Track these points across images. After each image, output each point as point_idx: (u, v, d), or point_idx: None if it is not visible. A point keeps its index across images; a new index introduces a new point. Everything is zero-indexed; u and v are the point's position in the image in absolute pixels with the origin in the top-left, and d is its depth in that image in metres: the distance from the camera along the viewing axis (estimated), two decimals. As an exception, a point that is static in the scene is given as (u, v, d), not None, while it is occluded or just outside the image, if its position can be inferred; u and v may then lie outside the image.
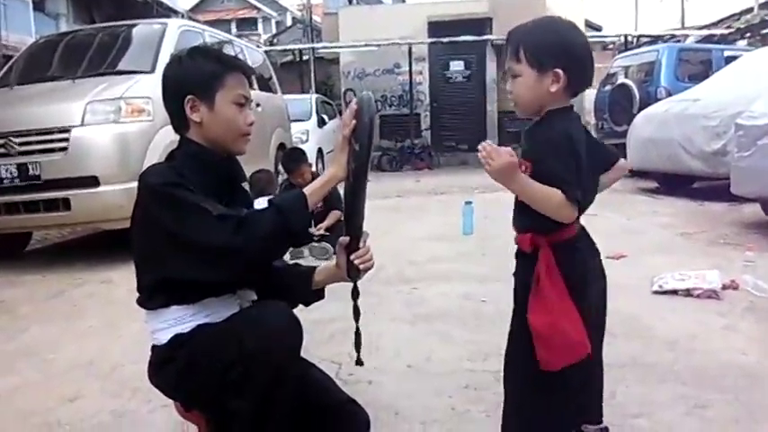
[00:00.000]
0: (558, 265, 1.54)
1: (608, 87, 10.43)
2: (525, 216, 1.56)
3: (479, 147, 1.50)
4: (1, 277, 4.65)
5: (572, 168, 1.45)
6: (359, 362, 1.75)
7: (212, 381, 1.50)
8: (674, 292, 3.28)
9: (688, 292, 3.24)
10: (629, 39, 15.99)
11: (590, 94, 12.20)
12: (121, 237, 4.93)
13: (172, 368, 1.56)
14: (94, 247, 5.75)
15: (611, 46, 17.82)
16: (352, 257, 1.64)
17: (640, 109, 8.41)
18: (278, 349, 1.45)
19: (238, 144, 1.66)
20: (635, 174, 8.48)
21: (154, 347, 1.62)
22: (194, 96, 1.58)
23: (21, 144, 4.61)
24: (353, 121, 1.54)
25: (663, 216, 5.90)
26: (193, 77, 1.59)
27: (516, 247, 1.65)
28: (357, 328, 1.71)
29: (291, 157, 5.30)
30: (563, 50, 1.51)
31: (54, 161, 4.58)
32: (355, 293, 1.70)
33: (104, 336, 3.09)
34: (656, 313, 3.00)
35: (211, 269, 1.48)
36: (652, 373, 2.30)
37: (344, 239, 1.65)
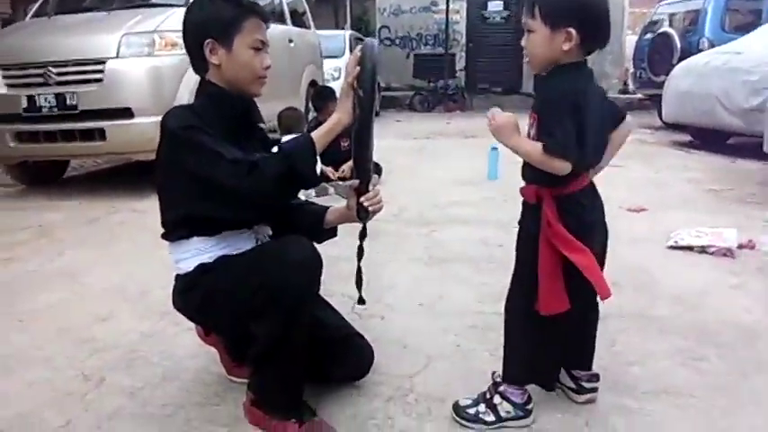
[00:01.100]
0: (560, 217, 1.61)
1: (649, 35, 10.10)
2: (531, 168, 1.62)
3: (490, 112, 1.62)
4: (40, 202, 4.88)
5: (564, 126, 1.50)
6: (360, 300, 1.86)
7: (235, 306, 1.62)
8: (690, 248, 3.31)
9: (703, 249, 3.27)
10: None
11: (631, 41, 11.84)
12: (152, 167, 5.10)
13: (195, 294, 1.69)
14: (127, 177, 5.93)
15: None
16: (361, 200, 1.73)
17: (681, 60, 8.15)
18: (299, 280, 1.56)
19: (254, 86, 1.74)
20: (669, 127, 8.32)
21: (177, 276, 1.75)
22: (213, 40, 1.66)
23: (58, 74, 4.73)
24: (357, 68, 1.59)
25: (692, 171, 5.83)
26: (213, 21, 1.66)
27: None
28: (359, 267, 1.81)
29: (320, 94, 5.33)
30: (577, 10, 1.53)
31: (90, 92, 4.70)
32: (362, 234, 1.79)
33: (135, 261, 3.27)
34: (667, 268, 3.04)
35: (225, 208, 1.61)
36: (654, 326, 2.38)
37: (354, 182, 1.73)
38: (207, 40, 1.65)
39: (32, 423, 1.78)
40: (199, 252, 1.68)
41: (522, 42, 1.62)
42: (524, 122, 1.62)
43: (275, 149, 1.61)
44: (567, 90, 1.54)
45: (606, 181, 5.69)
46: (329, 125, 1.65)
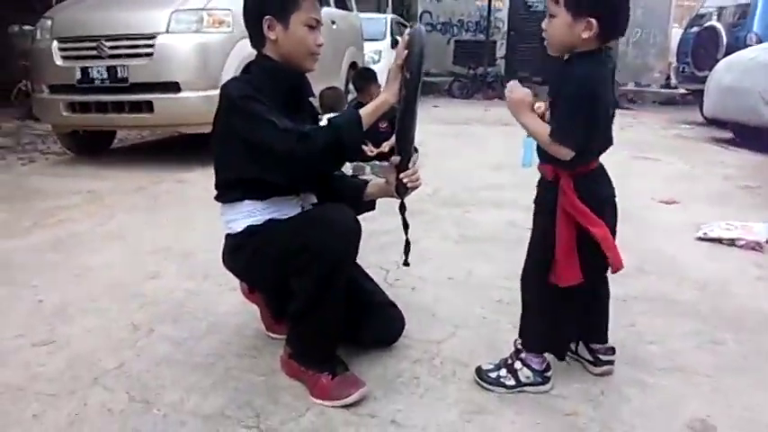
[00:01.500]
0: (577, 192, 1.70)
1: (695, 29, 9.95)
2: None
3: (508, 86, 1.72)
4: (89, 170, 5.12)
5: (574, 116, 1.60)
6: (406, 263, 1.98)
7: (280, 265, 1.76)
8: (719, 240, 3.34)
9: (732, 242, 3.30)
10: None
11: (676, 34, 11.64)
12: (196, 141, 5.30)
13: (244, 253, 1.84)
14: (170, 149, 6.16)
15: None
16: (401, 176, 1.85)
17: (727, 55, 8.03)
18: (339, 244, 1.70)
19: (308, 62, 1.86)
20: (710, 122, 8.22)
21: (228, 236, 1.90)
22: (272, 17, 1.78)
23: (111, 48, 4.94)
24: (406, 52, 1.70)
25: (728, 167, 5.78)
26: (272, 0, 1.78)
27: (540, 175, 1.82)
28: (407, 239, 1.93)
29: (362, 76, 5.43)
30: (599, 1, 1.60)
31: (140, 65, 4.90)
32: (402, 208, 1.91)
33: (180, 227, 3.45)
34: (694, 258, 3.09)
35: (275, 172, 1.74)
36: (675, 309, 2.45)
37: (395, 159, 1.85)
38: (266, 17, 1.78)
39: (90, 363, 1.95)
40: (249, 214, 1.83)
41: (543, 25, 1.69)
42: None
43: (325, 122, 1.73)
44: (585, 79, 1.62)
45: (641, 173, 5.77)
46: (376, 103, 1.77)
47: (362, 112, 1.76)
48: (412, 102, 1.75)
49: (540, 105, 1.74)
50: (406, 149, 1.85)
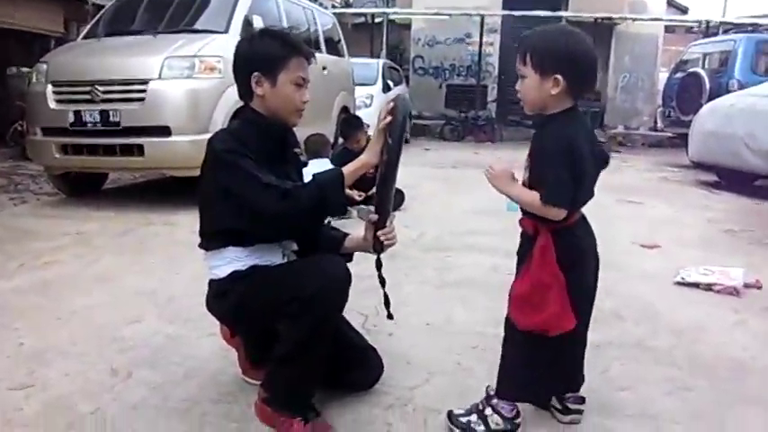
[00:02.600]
0: (555, 247, 1.76)
1: (679, 74, 10.20)
2: None
3: (488, 167, 1.80)
4: (79, 211, 5.16)
5: (559, 174, 1.67)
6: (390, 316, 2.04)
7: (267, 310, 1.81)
8: (696, 285, 3.39)
9: (709, 287, 3.35)
10: (711, 24, 15.31)
11: (663, 79, 11.90)
12: (185, 183, 5.36)
13: (228, 298, 1.88)
14: (160, 192, 6.22)
15: (695, 28, 17.10)
16: (378, 233, 1.92)
17: (710, 100, 8.23)
18: (333, 292, 1.77)
19: (293, 117, 1.94)
20: (696, 166, 8.35)
21: (212, 281, 1.94)
22: (260, 73, 1.86)
23: (104, 92, 5.04)
24: (390, 117, 1.79)
25: (713, 211, 5.88)
26: (261, 57, 1.87)
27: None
28: (385, 294, 1.99)
29: (349, 123, 5.56)
30: (564, 59, 1.69)
31: (132, 110, 4.99)
32: (379, 264, 1.97)
33: (165, 271, 3.48)
34: (671, 303, 3.14)
35: (258, 225, 1.81)
36: (649, 356, 2.48)
37: (373, 217, 1.93)
38: (254, 74, 1.86)
39: (66, 407, 1.97)
40: (233, 261, 1.87)
41: (517, 86, 1.79)
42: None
43: (309, 179, 1.81)
44: (559, 137, 1.70)
45: (624, 217, 5.85)
46: (358, 164, 1.85)
47: (345, 170, 1.83)
48: (393, 166, 1.83)
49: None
50: (384, 209, 1.93)
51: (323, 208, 1.81)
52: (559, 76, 1.68)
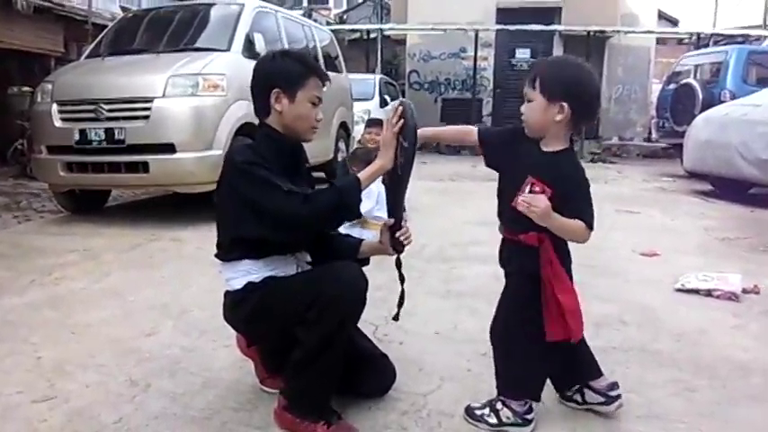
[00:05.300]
0: (559, 256, 1.88)
1: (672, 86, 10.34)
2: (528, 219, 1.84)
3: (519, 202, 1.80)
4: (85, 228, 5.21)
5: (591, 201, 1.81)
6: (396, 317, 2.10)
7: (285, 318, 1.88)
8: (696, 291, 3.47)
9: (708, 293, 3.42)
10: (702, 36, 15.50)
11: (655, 90, 12.05)
12: (190, 200, 5.44)
13: (245, 308, 1.95)
14: (164, 208, 6.28)
15: (686, 40, 17.31)
16: (396, 234, 2.00)
17: (703, 110, 8.36)
18: (351, 297, 1.85)
19: (307, 134, 2.03)
20: (691, 175, 8.47)
21: (227, 292, 2.01)
22: (280, 90, 1.94)
23: (109, 110, 5.11)
24: (401, 121, 1.86)
25: (709, 219, 5.97)
26: (282, 75, 1.96)
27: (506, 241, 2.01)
28: (402, 290, 2.06)
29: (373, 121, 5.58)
30: (572, 88, 1.79)
31: (137, 128, 5.06)
32: (399, 263, 2.06)
33: (175, 285, 3.54)
34: (672, 309, 3.21)
35: (278, 232, 1.87)
36: (653, 359, 2.55)
37: (389, 220, 2.02)
38: (274, 90, 1.94)
39: (90, 417, 2.03)
40: (248, 272, 1.95)
41: (522, 109, 1.88)
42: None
43: (327, 185, 1.89)
44: (579, 167, 1.85)
45: (623, 226, 5.93)
46: (373, 168, 1.93)
47: (361, 176, 1.91)
48: (407, 168, 1.92)
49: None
50: (398, 210, 2.01)
51: (341, 210, 1.89)
52: (565, 104, 1.77)
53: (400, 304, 2.09)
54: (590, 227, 1.82)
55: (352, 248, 2.17)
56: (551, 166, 1.86)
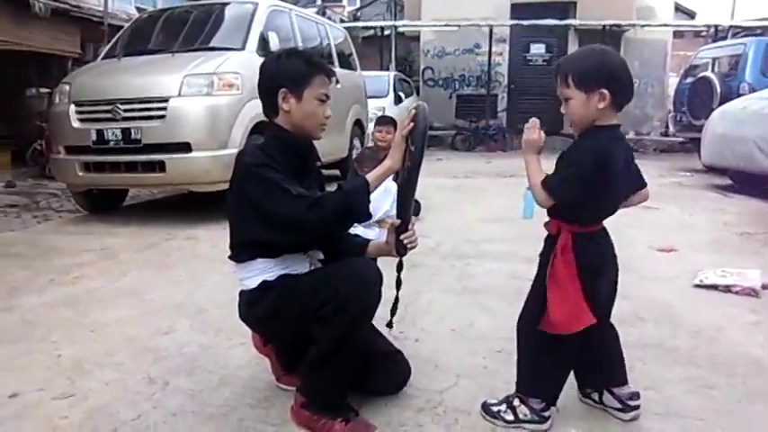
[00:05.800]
0: (575, 249, 1.84)
1: (689, 79, 10.22)
2: (555, 208, 1.86)
3: (530, 121, 1.89)
4: (102, 228, 5.28)
5: (572, 174, 1.77)
6: (389, 324, 2.13)
7: (301, 316, 1.89)
8: (715, 287, 3.43)
9: (728, 289, 3.38)
10: (720, 28, 15.27)
11: (673, 83, 11.91)
12: (205, 198, 5.47)
13: (260, 306, 1.97)
14: (180, 207, 6.33)
15: (703, 33, 17.05)
16: (401, 237, 2.00)
17: (721, 104, 8.25)
18: (367, 293, 1.85)
19: (316, 131, 2.03)
20: (709, 170, 8.37)
21: (242, 292, 2.03)
22: (287, 89, 1.95)
23: (125, 111, 5.17)
24: (411, 124, 1.86)
25: (727, 214, 5.90)
26: (289, 74, 1.96)
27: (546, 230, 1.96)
28: (396, 296, 2.08)
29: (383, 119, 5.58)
30: (605, 73, 1.77)
31: (153, 127, 5.11)
32: (400, 267, 2.06)
33: (191, 283, 3.57)
34: (690, 305, 3.18)
35: (287, 235, 1.88)
36: (670, 356, 2.53)
37: (395, 222, 2.01)
38: (281, 89, 1.95)
39: (109, 415, 2.05)
40: (262, 271, 1.96)
41: (562, 110, 1.86)
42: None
43: (335, 188, 1.89)
44: (594, 150, 1.77)
45: (640, 222, 5.88)
46: (381, 170, 1.93)
47: (369, 177, 1.91)
48: (414, 172, 1.91)
49: None
50: (406, 212, 2.01)
51: (349, 213, 1.88)
52: (605, 90, 1.76)
53: (393, 311, 2.10)
54: (548, 191, 1.80)
55: (360, 249, 2.17)
56: (572, 145, 1.89)
